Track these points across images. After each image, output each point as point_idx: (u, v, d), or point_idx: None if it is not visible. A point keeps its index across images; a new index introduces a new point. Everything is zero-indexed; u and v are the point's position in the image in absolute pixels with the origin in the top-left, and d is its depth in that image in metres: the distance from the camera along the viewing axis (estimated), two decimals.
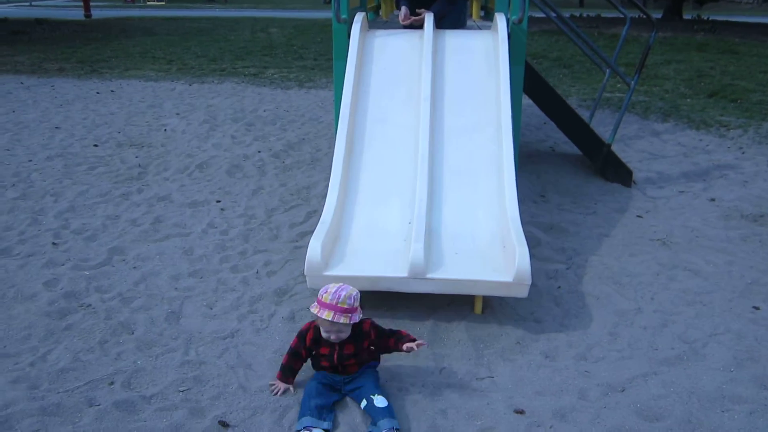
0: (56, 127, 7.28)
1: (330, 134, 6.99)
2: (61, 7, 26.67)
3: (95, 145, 6.61)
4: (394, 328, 2.90)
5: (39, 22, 19.11)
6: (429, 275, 3.30)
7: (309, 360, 2.92)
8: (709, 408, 2.77)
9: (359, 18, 4.73)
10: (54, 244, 4.34)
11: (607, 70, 6.36)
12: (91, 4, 22.96)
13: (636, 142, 7.05)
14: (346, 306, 2.70)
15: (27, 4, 28.65)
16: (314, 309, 2.73)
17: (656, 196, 5.45)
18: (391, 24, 5.65)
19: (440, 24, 4.99)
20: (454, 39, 4.83)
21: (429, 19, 4.84)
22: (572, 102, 8.50)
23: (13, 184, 5.46)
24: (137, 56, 12.78)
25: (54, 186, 5.44)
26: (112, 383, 2.90)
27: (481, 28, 5.23)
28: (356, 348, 2.82)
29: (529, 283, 3.26)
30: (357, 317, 2.75)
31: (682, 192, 5.56)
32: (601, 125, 7.24)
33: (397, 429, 2.57)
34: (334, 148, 4.04)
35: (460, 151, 4.11)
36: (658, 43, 13.75)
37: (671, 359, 3.13)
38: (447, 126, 4.23)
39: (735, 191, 5.54)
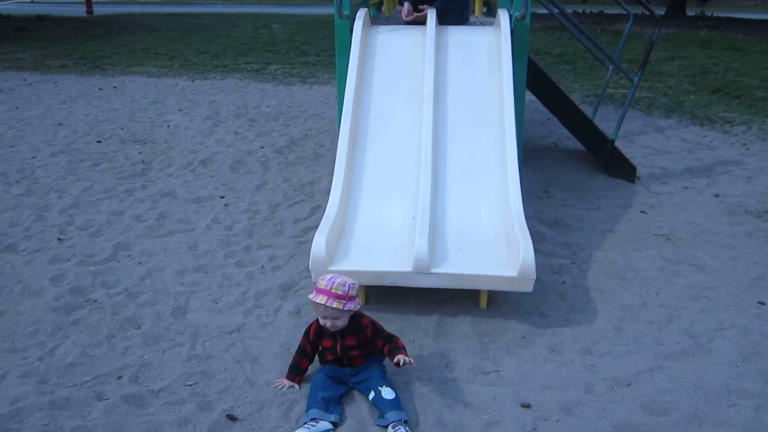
0: (59, 124, 7.29)
1: (333, 130, 6.99)
2: (62, 3, 26.65)
3: (98, 142, 6.62)
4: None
5: (41, 18, 19.10)
6: (433, 270, 3.31)
7: (317, 357, 2.94)
8: (715, 403, 2.78)
9: (362, 14, 4.73)
10: (59, 240, 4.35)
11: (611, 67, 6.35)
12: (93, 0, 22.93)
13: (640, 138, 7.05)
14: (339, 292, 2.72)
15: (29, 1, 28.64)
16: (311, 295, 2.78)
17: (660, 192, 5.45)
18: (394, 20, 5.65)
19: (443, 20, 4.99)
20: (457, 35, 4.83)
21: (432, 15, 4.83)
22: (575, 98, 8.48)
23: (18, 181, 5.47)
24: (139, 52, 12.77)
25: (58, 182, 5.45)
26: (120, 378, 2.92)
27: (483, 25, 5.22)
28: (358, 340, 2.84)
29: (534, 277, 3.27)
30: (351, 306, 2.76)
31: (686, 188, 5.56)
32: (605, 121, 7.24)
33: (405, 421, 2.58)
34: (337, 143, 4.05)
35: (463, 147, 4.11)
36: (661, 40, 13.71)
37: (677, 354, 3.13)
38: (450, 122, 4.24)
39: (739, 187, 5.54)
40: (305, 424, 2.58)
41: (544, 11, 6.07)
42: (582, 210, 5.01)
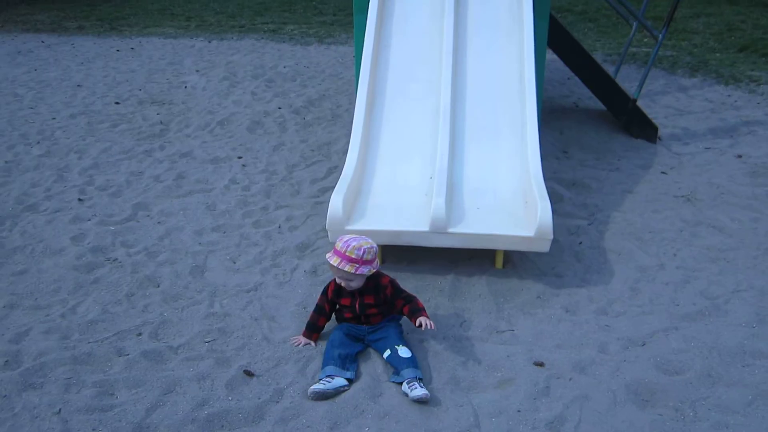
0: (78, 85, 7.31)
1: (350, 90, 6.94)
2: None
3: (117, 103, 6.64)
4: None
5: None
6: (450, 230, 3.30)
7: (334, 315, 2.98)
8: (729, 363, 2.77)
9: None
10: (80, 200, 4.41)
11: (634, 24, 6.19)
12: None
13: (662, 98, 6.91)
14: (353, 256, 2.74)
15: None
16: (328, 255, 2.81)
17: (681, 153, 5.36)
18: None
19: None
20: None
21: None
22: (597, 57, 8.31)
23: (38, 142, 5.52)
24: (156, 13, 12.69)
25: (78, 143, 5.49)
26: (140, 334, 2.98)
27: None
28: (376, 299, 2.86)
29: (551, 237, 3.25)
30: (365, 270, 2.77)
31: (708, 148, 5.46)
32: (627, 80, 7.08)
33: (420, 378, 2.61)
34: (354, 104, 4.02)
35: (482, 106, 4.06)
36: None
37: (692, 315, 3.12)
38: (469, 80, 4.18)
39: (763, 148, 5.43)
40: (321, 380, 2.62)
41: None
42: (601, 171, 4.95)
